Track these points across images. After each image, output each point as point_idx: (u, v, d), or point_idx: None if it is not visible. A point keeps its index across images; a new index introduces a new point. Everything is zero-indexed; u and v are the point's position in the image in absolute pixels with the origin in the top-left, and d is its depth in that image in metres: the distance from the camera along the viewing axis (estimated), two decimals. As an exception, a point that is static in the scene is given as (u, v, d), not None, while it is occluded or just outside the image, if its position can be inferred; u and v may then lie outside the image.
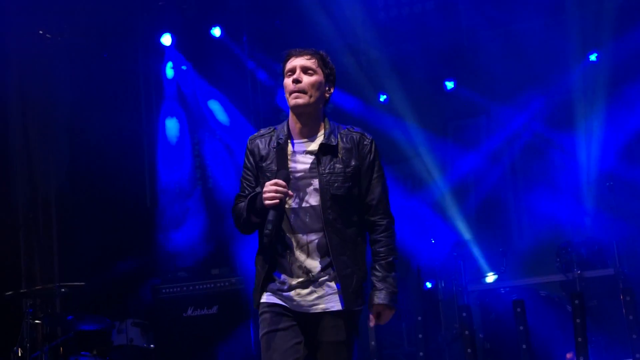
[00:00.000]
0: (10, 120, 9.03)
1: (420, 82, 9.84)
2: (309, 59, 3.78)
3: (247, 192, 3.83)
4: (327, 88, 3.83)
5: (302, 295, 3.70)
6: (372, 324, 3.78)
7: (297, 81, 3.74)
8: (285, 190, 3.61)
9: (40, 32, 9.06)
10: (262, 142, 3.85)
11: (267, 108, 9.59)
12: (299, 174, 3.73)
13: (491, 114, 9.93)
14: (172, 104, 9.60)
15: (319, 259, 3.70)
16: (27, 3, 8.61)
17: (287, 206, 3.70)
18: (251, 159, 3.86)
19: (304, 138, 3.80)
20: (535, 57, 9.31)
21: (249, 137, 3.92)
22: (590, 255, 7.80)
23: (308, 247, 3.70)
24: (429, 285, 8.75)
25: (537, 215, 9.06)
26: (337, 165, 3.73)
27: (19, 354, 6.94)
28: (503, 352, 7.65)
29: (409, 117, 9.83)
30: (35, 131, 9.16)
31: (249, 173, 3.86)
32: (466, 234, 9.34)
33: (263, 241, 3.67)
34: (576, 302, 6.94)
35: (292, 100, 3.75)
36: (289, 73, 3.79)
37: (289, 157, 3.76)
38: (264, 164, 3.80)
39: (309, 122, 3.80)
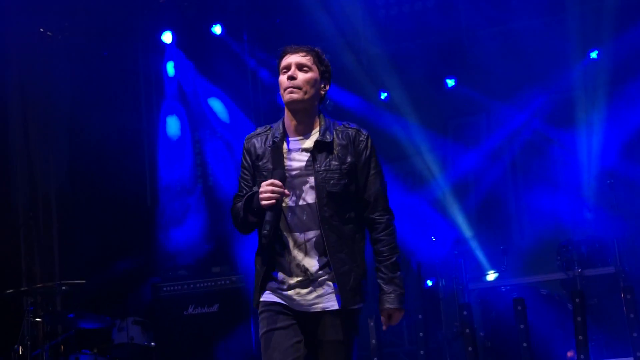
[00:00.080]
0: (10, 120, 9.03)
1: (420, 80, 9.85)
2: (304, 56, 3.76)
3: (244, 191, 3.80)
4: (322, 85, 3.81)
5: (302, 295, 3.69)
6: (384, 327, 3.78)
7: (292, 78, 3.72)
8: (281, 190, 3.59)
9: (41, 30, 9.08)
10: (258, 141, 3.83)
11: (268, 106, 9.57)
12: (294, 172, 3.71)
13: (492, 111, 9.92)
14: (173, 102, 9.60)
15: (317, 257, 3.67)
16: (28, 1, 8.61)
17: (283, 205, 3.68)
18: (248, 159, 3.84)
19: (300, 135, 3.78)
20: (536, 55, 9.30)
21: (246, 137, 3.90)
22: (590, 253, 7.79)
23: (306, 245, 3.69)
24: (429, 283, 8.76)
25: (538, 213, 9.04)
26: (333, 162, 3.71)
27: (20, 352, 6.96)
28: (504, 350, 7.65)
29: (409, 115, 9.82)
30: (35, 130, 9.17)
31: (247, 172, 3.84)
32: (467, 232, 9.32)
33: (261, 242, 3.66)
34: (577, 300, 6.94)
35: (286, 96, 3.73)
36: (284, 70, 3.76)
37: (284, 156, 3.74)
38: (260, 163, 3.78)
39: (304, 119, 3.77)
